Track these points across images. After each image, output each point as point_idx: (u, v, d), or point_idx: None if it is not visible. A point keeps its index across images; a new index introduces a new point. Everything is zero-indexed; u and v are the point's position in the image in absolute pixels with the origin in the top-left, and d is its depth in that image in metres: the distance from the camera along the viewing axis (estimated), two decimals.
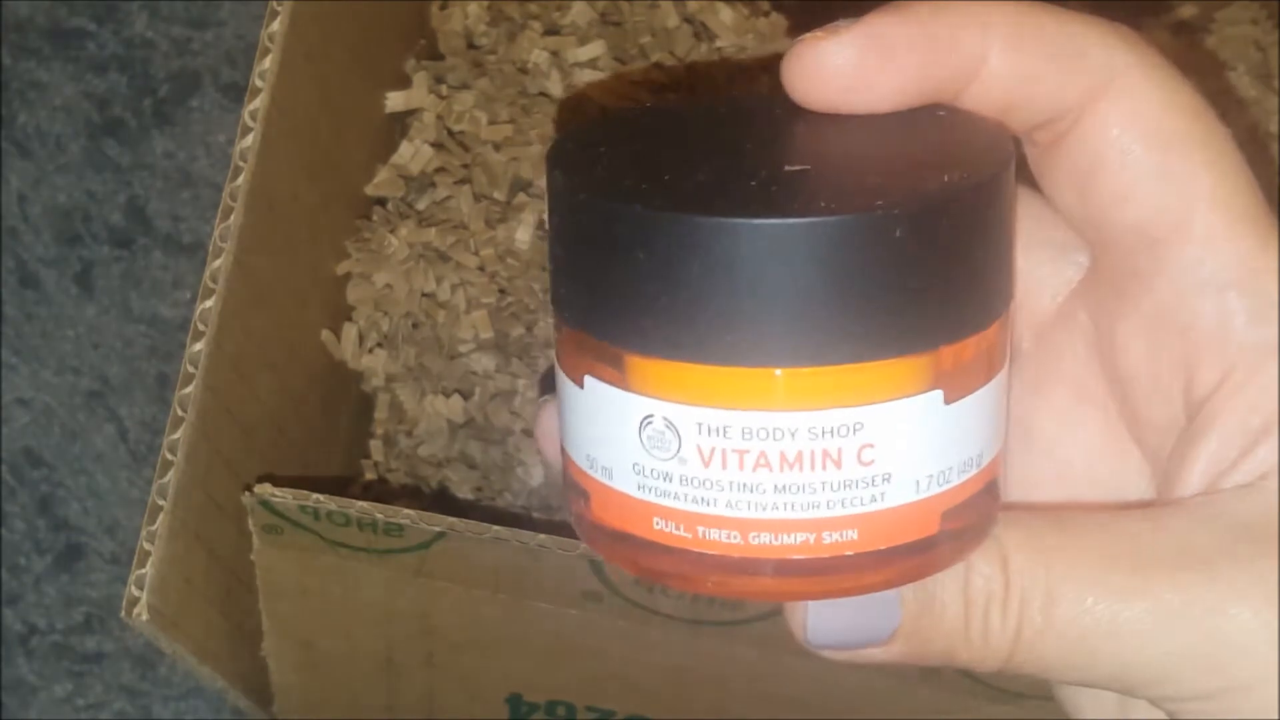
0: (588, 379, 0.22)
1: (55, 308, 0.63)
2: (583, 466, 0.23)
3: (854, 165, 0.22)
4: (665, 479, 0.21)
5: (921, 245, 0.20)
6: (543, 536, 0.35)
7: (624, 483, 0.22)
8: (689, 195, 0.21)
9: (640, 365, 0.21)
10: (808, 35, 0.22)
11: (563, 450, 0.24)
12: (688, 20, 0.51)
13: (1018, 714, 0.26)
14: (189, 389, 0.37)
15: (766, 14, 0.51)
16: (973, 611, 0.23)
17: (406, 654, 0.43)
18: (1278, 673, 0.21)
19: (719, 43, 0.50)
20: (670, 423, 0.21)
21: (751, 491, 0.21)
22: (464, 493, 0.48)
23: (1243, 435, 0.22)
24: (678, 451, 0.21)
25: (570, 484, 0.24)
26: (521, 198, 0.48)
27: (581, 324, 0.22)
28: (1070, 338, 0.25)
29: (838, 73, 0.22)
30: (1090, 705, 0.24)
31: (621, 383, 0.21)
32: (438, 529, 0.36)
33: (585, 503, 0.23)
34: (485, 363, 0.48)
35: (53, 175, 0.64)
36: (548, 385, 0.24)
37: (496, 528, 0.35)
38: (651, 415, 0.21)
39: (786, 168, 0.21)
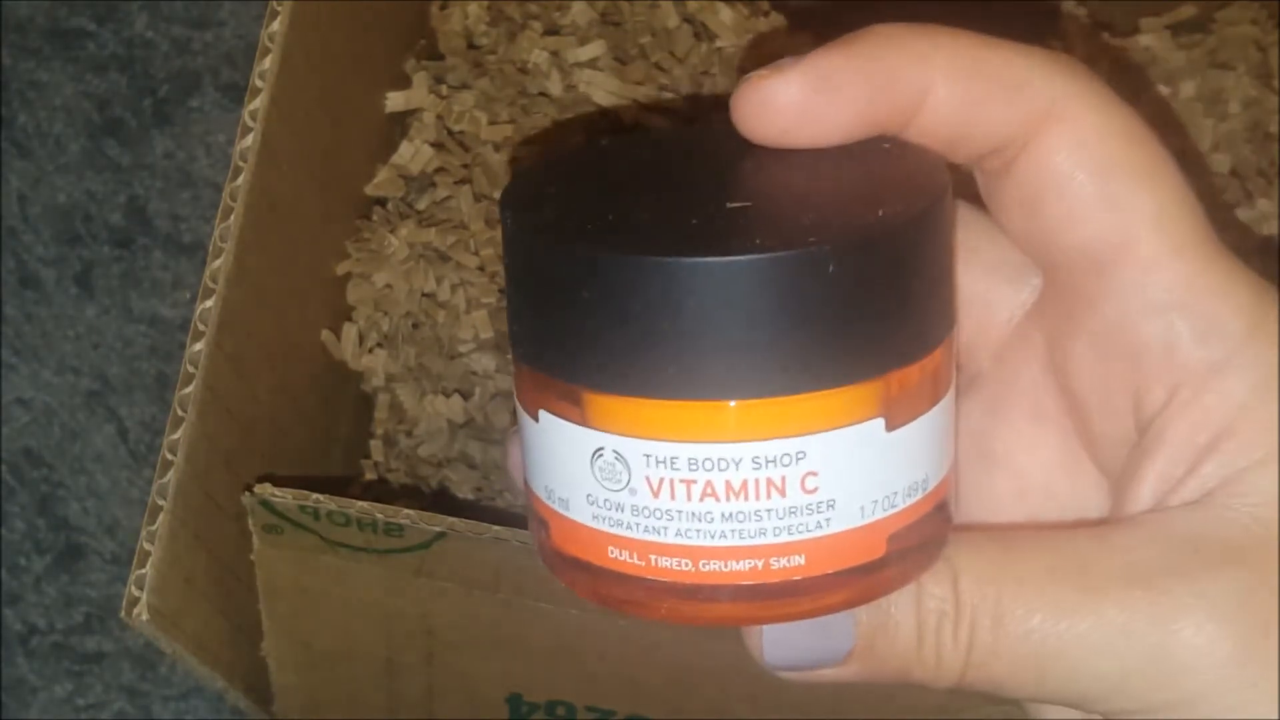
0: (542, 414, 0.23)
1: (55, 308, 0.63)
2: (542, 497, 0.23)
3: (794, 201, 0.22)
4: (618, 509, 0.22)
5: (857, 278, 0.21)
6: None
7: (580, 513, 0.23)
8: (632, 236, 0.21)
9: (591, 400, 0.22)
10: (754, 73, 0.23)
11: (524, 481, 0.24)
12: (688, 20, 0.51)
13: (1017, 714, 0.26)
14: (189, 389, 0.37)
15: (766, 14, 0.51)
16: (925, 632, 0.23)
17: (406, 654, 0.43)
18: (1220, 686, 0.22)
19: (719, 43, 0.50)
20: (620, 455, 0.22)
21: (700, 520, 0.22)
22: (464, 493, 0.48)
23: (1189, 452, 0.23)
24: (628, 483, 0.22)
25: (532, 513, 0.24)
26: None
27: (534, 361, 0.23)
28: (1026, 358, 0.25)
29: (784, 109, 0.22)
30: (1055, 714, 0.25)
31: (574, 417, 0.22)
32: (438, 529, 0.36)
33: (546, 532, 0.24)
34: (485, 363, 0.48)
35: (53, 175, 0.64)
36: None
37: (496, 528, 0.36)
38: (602, 448, 0.22)
39: (729, 204, 0.22)
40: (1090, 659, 0.22)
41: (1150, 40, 0.53)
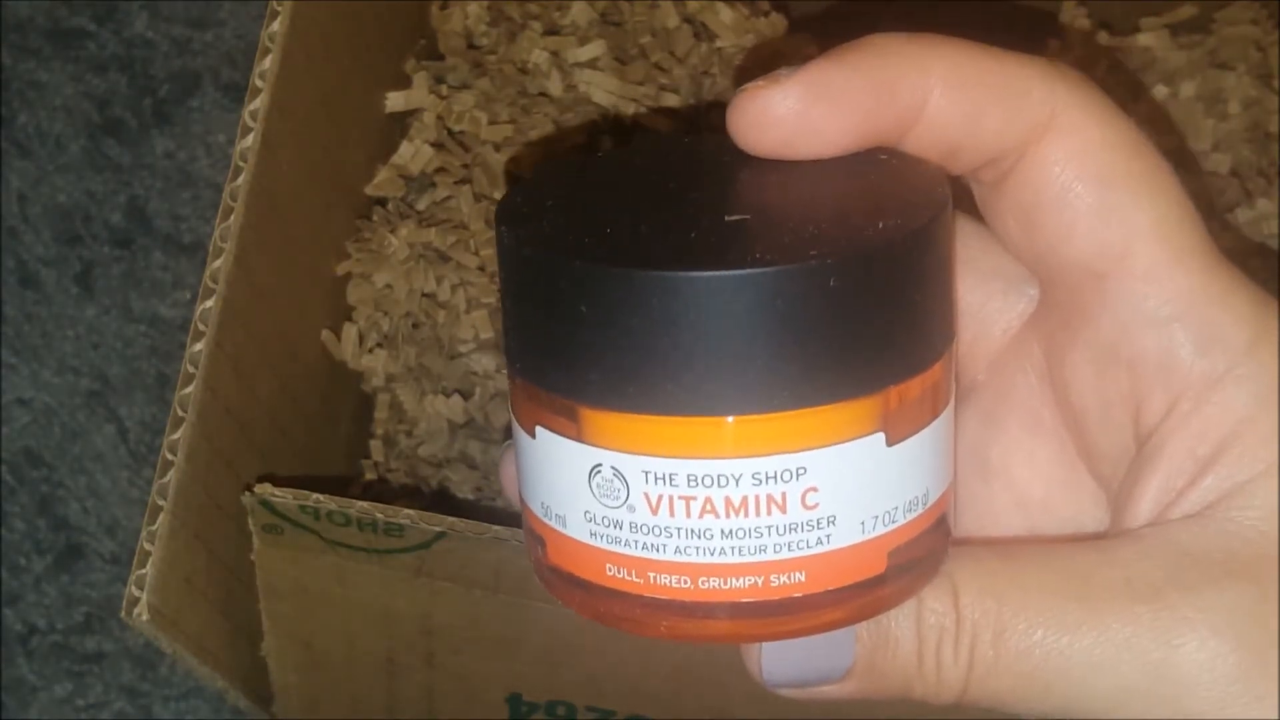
0: (539, 429, 0.22)
1: (55, 308, 0.63)
2: (538, 514, 0.23)
3: (792, 213, 0.22)
4: (616, 526, 0.22)
5: (856, 292, 0.21)
6: None
7: (577, 530, 0.22)
8: (630, 249, 0.21)
9: (588, 416, 0.22)
10: (750, 84, 0.22)
11: (520, 497, 0.24)
12: (688, 20, 0.51)
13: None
14: (189, 389, 0.37)
15: (766, 14, 0.51)
16: (925, 647, 0.23)
17: (406, 654, 0.43)
18: (1223, 702, 0.21)
19: (719, 43, 0.50)
20: (618, 471, 0.21)
21: (699, 537, 0.21)
22: (464, 493, 0.48)
23: (1190, 465, 0.23)
24: (626, 499, 0.22)
25: (528, 530, 0.24)
26: None
27: (531, 376, 0.22)
28: (1023, 369, 0.25)
29: (781, 121, 0.22)
30: None
31: (571, 433, 0.22)
32: (438, 529, 0.36)
33: (542, 549, 0.23)
34: (485, 363, 0.48)
35: (53, 175, 0.64)
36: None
37: (496, 528, 0.35)
38: (600, 464, 0.22)
39: (727, 217, 0.22)
40: (1093, 674, 0.22)
41: (1150, 40, 0.53)
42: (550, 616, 0.40)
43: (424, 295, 0.48)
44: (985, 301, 0.25)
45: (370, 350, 0.49)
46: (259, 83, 0.39)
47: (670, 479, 0.21)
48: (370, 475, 0.50)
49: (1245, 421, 0.22)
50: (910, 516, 0.22)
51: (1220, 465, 0.22)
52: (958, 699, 0.23)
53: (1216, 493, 0.22)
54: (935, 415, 0.22)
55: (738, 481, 0.21)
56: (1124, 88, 0.51)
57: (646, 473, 0.21)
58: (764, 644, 0.23)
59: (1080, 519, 0.25)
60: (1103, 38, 0.53)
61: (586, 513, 0.22)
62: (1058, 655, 0.22)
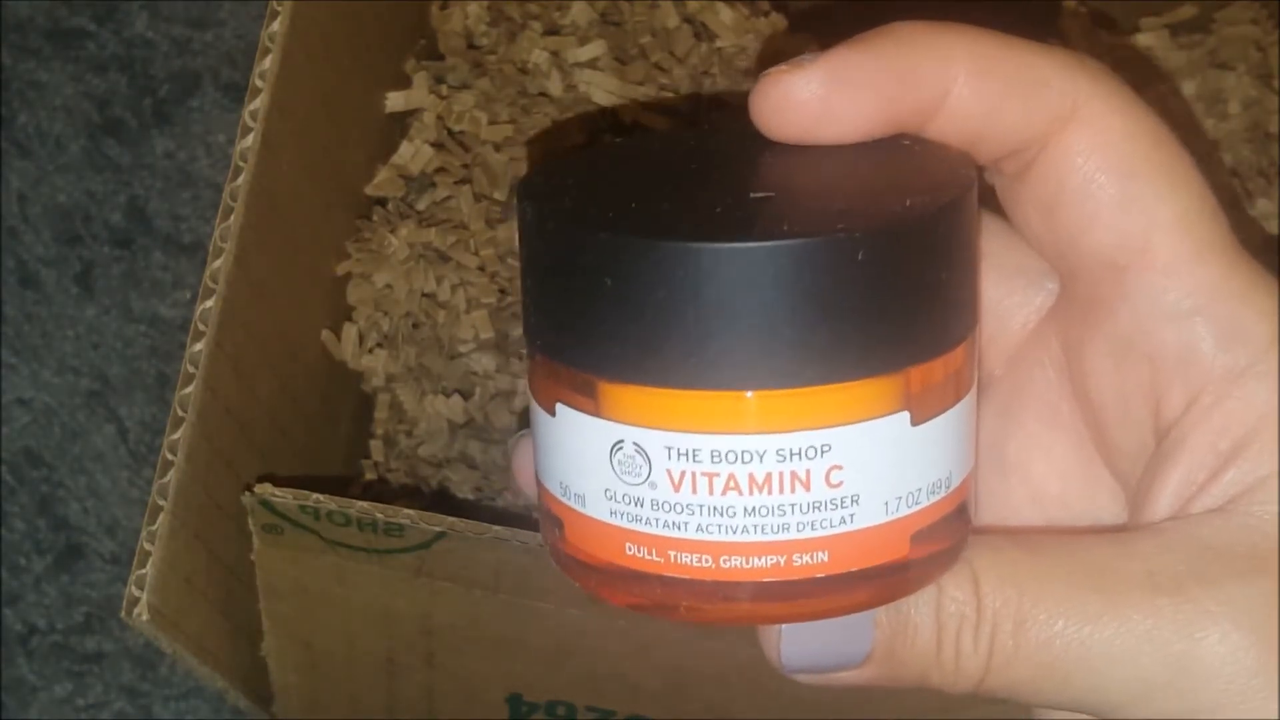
0: (559, 406, 0.22)
1: (55, 308, 0.63)
2: (556, 494, 0.23)
3: (818, 191, 0.22)
4: (637, 504, 0.22)
5: (885, 268, 0.20)
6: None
7: (596, 509, 0.22)
8: (655, 222, 0.21)
9: (610, 391, 0.21)
10: (773, 69, 0.22)
11: (537, 480, 0.24)
12: (688, 20, 0.51)
13: (1019, 714, 0.26)
14: (189, 389, 0.37)
15: (766, 14, 0.51)
16: (945, 635, 0.23)
17: (406, 654, 0.43)
18: (1244, 696, 0.21)
19: (719, 43, 0.50)
20: (640, 447, 0.21)
21: (722, 515, 0.21)
22: (464, 493, 0.48)
23: (1211, 459, 0.23)
24: (648, 476, 0.21)
25: (545, 513, 0.24)
26: None
27: (552, 352, 0.22)
28: (1041, 363, 0.25)
29: (804, 106, 0.22)
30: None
31: (592, 409, 0.22)
32: (438, 529, 0.36)
33: (559, 531, 0.23)
34: (485, 363, 0.48)
35: (53, 175, 0.64)
36: (525, 421, 0.25)
37: (496, 528, 0.35)
38: (622, 440, 0.21)
39: (752, 194, 0.22)
40: (1113, 666, 0.22)
41: (1150, 40, 0.53)
42: (550, 616, 0.40)
43: (424, 295, 0.48)
44: (1004, 295, 0.25)
45: (370, 350, 0.49)
46: (259, 83, 0.39)
47: (693, 454, 0.21)
48: (370, 475, 0.50)
49: (1267, 416, 0.22)
50: (933, 499, 0.22)
51: (1241, 460, 0.22)
52: (975, 688, 0.23)
53: (1238, 487, 0.22)
54: (959, 398, 0.22)
55: (761, 458, 0.21)
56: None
57: (669, 448, 0.21)
58: (783, 628, 0.23)
59: (1097, 514, 0.25)
60: (1103, 38, 0.53)
61: (607, 490, 0.22)
62: (1078, 646, 0.22)
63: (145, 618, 0.35)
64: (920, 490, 0.22)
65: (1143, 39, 0.53)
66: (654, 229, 0.21)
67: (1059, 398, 0.25)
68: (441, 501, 0.48)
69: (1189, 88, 0.51)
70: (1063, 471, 0.25)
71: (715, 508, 0.21)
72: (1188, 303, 0.22)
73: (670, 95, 0.49)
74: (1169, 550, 0.22)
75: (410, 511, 0.36)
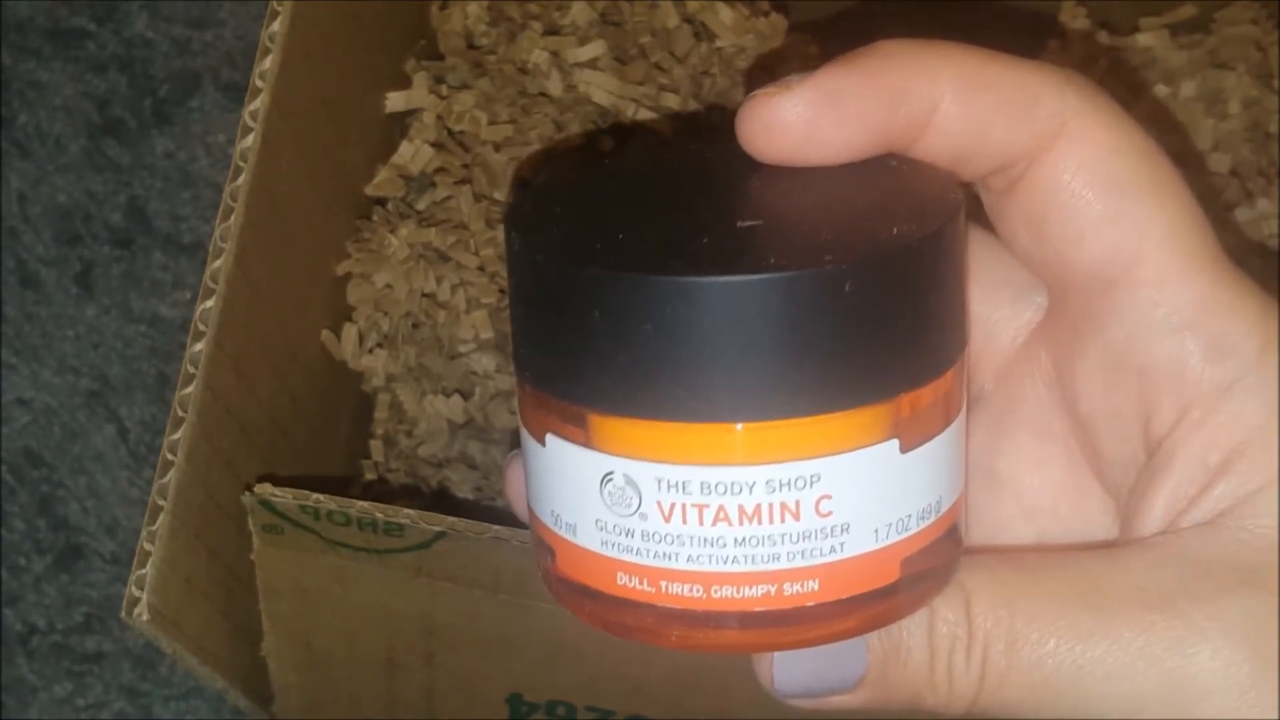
0: (549, 437, 0.22)
1: (55, 308, 0.63)
2: (547, 523, 0.23)
3: (805, 219, 0.22)
4: (627, 535, 0.22)
5: (872, 298, 0.21)
6: None
7: (587, 539, 0.22)
8: (643, 254, 0.21)
9: (600, 423, 0.21)
10: (759, 91, 0.22)
11: (528, 506, 0.24)
12: (688, 20, 0.51)
13: None
14: (189, 389, 0.37)
15: (766, 14, 0.51)
16: (937, 657, 0.23)
17: (406, 654, 0.43)
18: (1238, 711, 0.21)
19: (719, 43, 0.50)
20: (630, 479, 0.21)
21: (712, 545, 0.21)
22: (464, 493, 0.48)
23: (1201, 473, 0.23)
24: (638, 507, 0.21)
25: (536, 540, 0.24)
26: None
27: (542, 383, 0.22)
28: (1031, 378, 0.25)
29: (791, 128, 0.22)
30: None
31: (582, 440, 0.22)
32: (438, 529, 0.36)
33: (551, 559, 0.23)
34: (485, 363, 0.48)
35: (53, 175, 0.64)
36: (518, 440, 0.25)
37: (496, 528, 0.35)
38: (612, 472, 0.21)
39: (739, 223, 0.22)
40: (1106, 683, 0.22)
41: (1150, 40, 0.53)
42: (550, 616, 0.40)
43: (424, 295, 0.48)
44: (993, 311, 0.25)
45: (370, 350, 0.49)
46: (259, 83, 0.39)
47: (683, 486, 0.21)
48: (370, 475, 0.50)
49: (1256, 430, 0.22)
50: (923, 525, 0.22)
51: (1231, 473, 0.22)
52: (969, 709, 0.23)
53: (1228, 501, 0.22)
54: (948, 423, 0.22)
55: (751, 489, 0.21)
56: (1124, 88, 0.51)
57: (659, 480, 0.21)
58: (775, 654, 0.23)
59: (1089, 528, 0.25)
60: (1103, 38, 0.53)
61: (598, 521, 0.22)
62: (1070, 664, 0.22)
63: (145, 618, 0.35)
64: (910, 516, 0.22)
65: (1143, 39, 0.53)
66: (642, 263, 0.21)
67: (1049, 412, 0.25)
68: (441, 501, 0.48)
69: (1189, 88, 0.51)
70: (1054, 486, 0.25)
71: (706, 538, 0.21)
72: (1177, 317, 0.22)
73: (670, 95, 0.49)
74: (1160, 566, 0.22)
75: (410, 511, 0.36)
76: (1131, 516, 0.23)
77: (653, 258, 0.21)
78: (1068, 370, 0.24)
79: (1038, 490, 0.25)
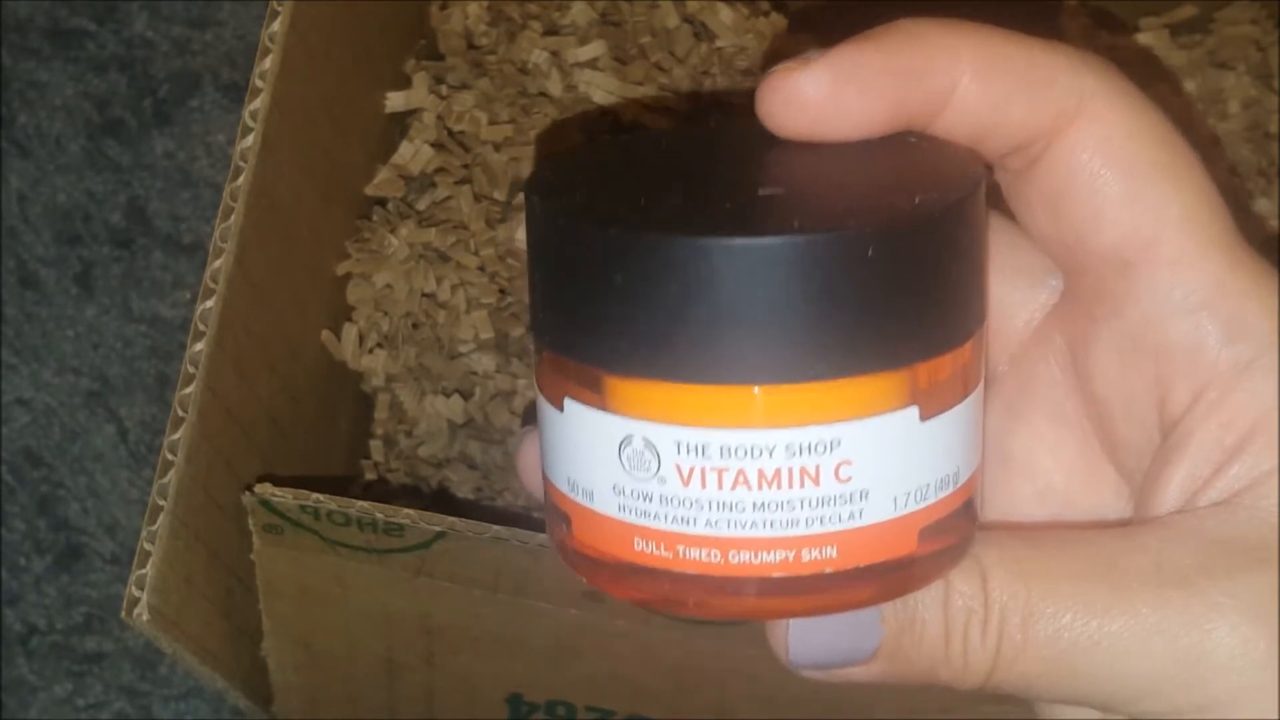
0: (567, 401, 0.22)
1: (55, 308, 0.63)
2: (564, 490, 0.23)
3: (827, 188, 0.22)
4: (645, 499, 0.22)
5: (894, 263, 0.21)
6: (543, 536, 0.35)
7: (604, 504, 0.22)
8: (664, 217, 0.21)
9: (618, 386, 0.21)
10: (780, 66, 0.22)
11: (544, 477, 0.24)
12: (688, 20, 0.51)
13: (1020, 713, 0.26)
14: (189, 389, 0.37)
15: (766, 14, 0.51)
16: (953, 630, 0.23)
17: (406, 654, 0.43)
18: (1255, 689, 0.21)
19: (719, 43, 0.50)
20: (649, 442, 0.21)
21: (731, 510, 0.21)
22: (464, 493, 0.48)
23: (1217, 453, 0.23)
24: (657, 471, 0.21)
25: (551, 509, 0.24)
26: (522, 198, 0.48)
27: (560, 347, 0.22)
28: (1045, 360, 0.25)
29: (811, 103, 0.22)
30: (1072, 714, 0.25)
31: (600, 404, 0.22)
32: (438, 529, 0.36)
33: (566, 527, 0.23)
34: (485, 363, 0.48)
35: (53, 175, 0.65)
36: (531, 418, 0.25)
37: (496, 528, 0.35)
38: (631, 435, 0.21)
39: (761, 191, 0.22)
40: (1122, 659, 0.22)
41: (1150, 40, 0.53)
42: (550, 616, 0.40)
43: (424, 295, 0.48)
44: (1008, 292, 0.25)
45: (370, 350, 0.49)
46: (259, 83, 0.39)
47: (703, 449, 0.21)
48: (370, 475, 0.50)
49: (1272, 410, 0.22)
50: (941, 495, 0.22)
51: (1247, 453, 0.22)
52: (983, 683, 0.23)
53: (1244, 480, 0.22)
54: (967, 393, 0.22)
55: (771, 453, 0.21)
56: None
57: (679, 443, 0.21)
58: (791, 623, 0.23)
59: (1102, 510, 0.25)
60: (1103, 38, 0.53)
61: (615, 486, 0.22)
62: (1086, 639, 0.22)
63: (145, 618, 0.35)
64: (929, 485, 0.22)
65: (1143, 39, 0.53)
66: (664, 225, 0.21)
67: (1064, 394, 0.25)
68: (441, 501, 0.48)
69: (1189, 88, 0.51)
70: (1068, 467, 0.25)
71: (724, 503, 0.21)
72: (1194, 298, 0.22)
73: (670, 95, 0.49)
74: (1176, 543, 0.22)
75: (410, 511, 0.36)
76: (1146, 496, 0.24)
77: (674, 220, 0.21)
78: (1082, 352, 0.24)
79: (1051, 472, 0.25)
